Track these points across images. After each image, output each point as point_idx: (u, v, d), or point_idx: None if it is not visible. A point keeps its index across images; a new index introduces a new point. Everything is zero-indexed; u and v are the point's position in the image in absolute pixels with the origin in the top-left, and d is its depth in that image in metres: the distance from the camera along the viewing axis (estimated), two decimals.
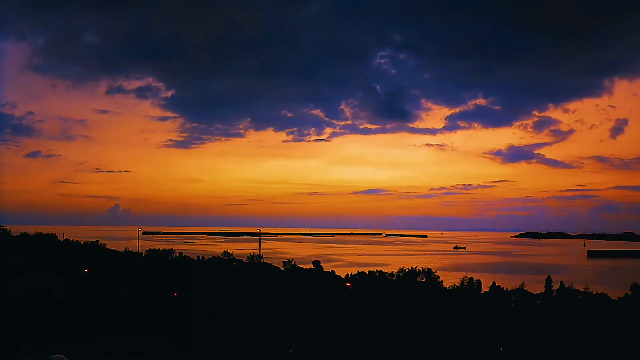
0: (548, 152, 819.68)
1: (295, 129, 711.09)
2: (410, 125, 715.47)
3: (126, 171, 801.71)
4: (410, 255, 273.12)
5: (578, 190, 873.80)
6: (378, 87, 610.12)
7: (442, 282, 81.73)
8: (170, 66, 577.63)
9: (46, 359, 43.20)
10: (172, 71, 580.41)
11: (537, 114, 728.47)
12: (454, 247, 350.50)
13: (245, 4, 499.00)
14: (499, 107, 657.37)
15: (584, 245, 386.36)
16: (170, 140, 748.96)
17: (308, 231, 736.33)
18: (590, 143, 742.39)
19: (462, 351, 49.62)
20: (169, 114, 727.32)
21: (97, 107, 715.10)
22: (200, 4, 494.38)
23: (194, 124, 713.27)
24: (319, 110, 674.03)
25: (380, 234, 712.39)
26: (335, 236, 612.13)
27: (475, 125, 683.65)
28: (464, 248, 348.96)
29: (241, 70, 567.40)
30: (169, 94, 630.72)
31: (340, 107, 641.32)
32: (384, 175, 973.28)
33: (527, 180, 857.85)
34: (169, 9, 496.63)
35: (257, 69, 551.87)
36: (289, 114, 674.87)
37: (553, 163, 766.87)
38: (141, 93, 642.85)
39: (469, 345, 50.64)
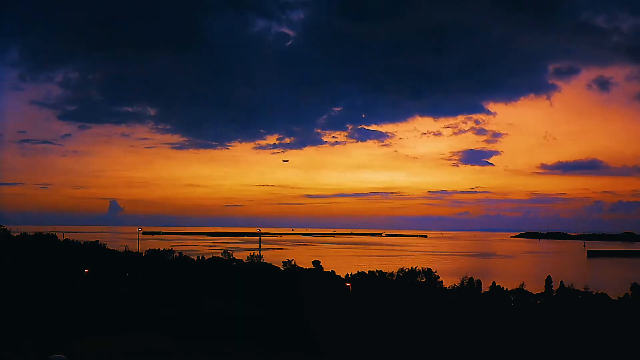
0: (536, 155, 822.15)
1: (284, 141, 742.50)
2: (390, 140, 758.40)
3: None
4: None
5: (574, 192, 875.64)
6: (346, 110, 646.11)
7: (442, 282, 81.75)
8: (167, 95, 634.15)
9: (46, 359, 43.20)
10: (170, 100, 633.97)
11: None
12: None
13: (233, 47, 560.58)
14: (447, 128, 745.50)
15: (584, 245, 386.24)
16: (168, 150, 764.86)
17: (308, 231, 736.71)
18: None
19: (462, 351, 49.57)
20: (165, 133, 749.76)
21: (100, 124, 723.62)
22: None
23: (194, 141, 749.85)
24: (299, 129, 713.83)
25: (381, 234, 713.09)
26: (336, 236, 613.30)
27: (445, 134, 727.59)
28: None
29: (229, 100, 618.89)
30: (167, 116, 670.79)
31: (318, 125, 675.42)
32: (377, 178, 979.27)
33: (524, 182, 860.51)
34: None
35: (243, 97, 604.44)
36: (271, 129, 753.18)
37: (547, 166, 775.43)
38: (142, 118, 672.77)
39: (469, 345, 50.60)
